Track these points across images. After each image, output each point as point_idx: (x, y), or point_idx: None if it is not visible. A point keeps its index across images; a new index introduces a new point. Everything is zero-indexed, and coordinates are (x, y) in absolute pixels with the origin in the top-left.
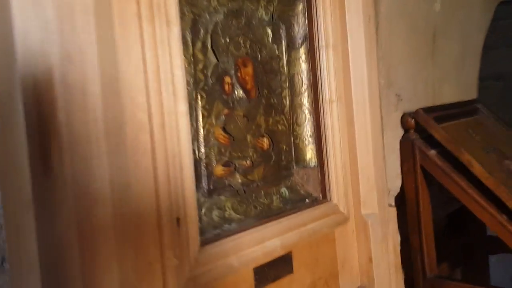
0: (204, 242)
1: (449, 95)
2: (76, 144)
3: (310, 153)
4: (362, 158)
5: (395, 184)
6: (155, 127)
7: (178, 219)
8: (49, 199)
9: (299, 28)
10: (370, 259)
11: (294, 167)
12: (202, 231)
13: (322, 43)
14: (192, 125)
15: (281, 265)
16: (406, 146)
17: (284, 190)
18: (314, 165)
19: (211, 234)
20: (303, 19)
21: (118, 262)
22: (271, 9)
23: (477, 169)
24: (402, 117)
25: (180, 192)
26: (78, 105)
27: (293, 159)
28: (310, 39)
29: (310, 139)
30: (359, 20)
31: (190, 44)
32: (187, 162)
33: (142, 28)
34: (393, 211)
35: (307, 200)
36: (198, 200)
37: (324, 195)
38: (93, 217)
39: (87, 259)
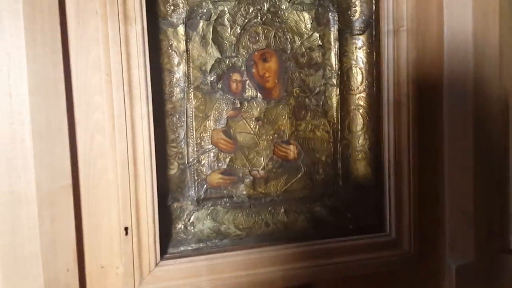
0: (172, 256)
1: None
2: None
3: (365, 168)
4: (451, 182)
5: None
6: (107, 129)
7: (126, 228)
8: None
9: (361, 8)
10: None
11: (341, 184)
12: (177, 242)
13: (390, 26)
14: (181, 127)
15: None
16: None
17: (319, 209)
18: (371, 184)
19: (188, 247)
20: None
21: None
22: None
23: None
24: None
25: (132, 200)
26: (4, 107)
27: (340, 173)
28: (376, 22)
29: (368, 151)
30: None
31: (183, 39)
32: (142, 169)
33: (98, 26)
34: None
35: (351, 226)
36: (182, 210)
37: (381, 224)
38: None
39: None
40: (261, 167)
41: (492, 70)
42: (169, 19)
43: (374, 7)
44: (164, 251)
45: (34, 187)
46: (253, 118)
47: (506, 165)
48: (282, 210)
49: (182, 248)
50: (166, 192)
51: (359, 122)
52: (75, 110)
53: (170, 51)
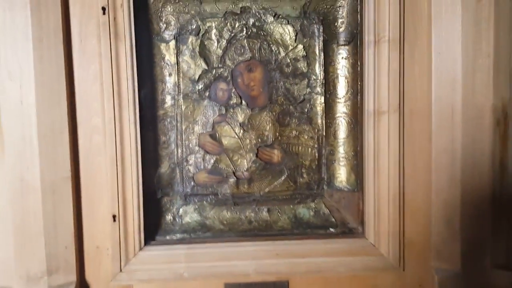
0: (157, 243)
1: None
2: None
3: (349, 174)
4: (439, 194)
5: None
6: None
7: (114, 216)
8: None
9: (348, 20)
10: None
11: (325, 188)
12: (165, 232)
13: (371, 37)
14: (171, 130)
15: None
16: None
17: (303, 211)
18: (355, 189)
19: (173, 237)
20: (351, 9)
21: None
22: (302, 2)
23: None
24: None
25: (119, 192)
26: (16, 112)
27: (324, 178)
28: (361, 34)
29: (351, 157)
30: (454, 2)
31: (173, 53)
32: (129, 167)
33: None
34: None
35: (331, 229)
36: (171, 203)
37: (362, 228)
38: None
39: None
40: (245, 169)
41: (485, 78)
42: (162, 35)
43: (359, 19)
44: (152, 238)
45: (39, 178)
46: (238, 124)
47: (497, 178)
48: (266, 209)
49: (168, 237)
50: (157, 187)
51: (344, 129)
52: (77, 114)
53: (163, 63)
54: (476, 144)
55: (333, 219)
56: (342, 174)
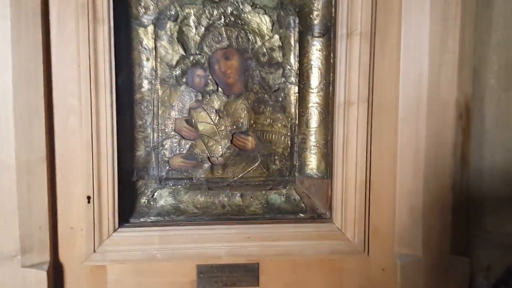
0: (131, 225)
1: None
2: None
3: (319, 162)
4: (403, 183)
5: (501, 230)
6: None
7: (88, 197)
8: None
9: (322, 13)
10: None
11: (296, 175)
12: (139, 214)
13: (344, 30)
14: (148, 114)
15: (242, 274)
16: None
17: (274, 197)
18: (324, 177)
19: (148, 219)
20: (326, 2)
21: None
22: None
23: None
24: None
25: (94, 174)
26: None
27: (296, 165)
28: (334, 27)
29: (322, 146)
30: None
31: (151, 38)
32: (104, 150)
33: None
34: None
35: (301, 214)
36: (146, 186)
37: (330, 214)
38: None
39: None
40: (220, 155)
41: (449, 74)
42: (141, 19)
43: (333, 12)
44: (126, 220)
45: (14, 157)
46: (214, 110)
47: (458, 169)
48: (239, 194)
49: (142, 220)
50: (132, 170)
51: (316, 119)
52: (53, 95)
53: (141, 47)
54: (439, 137)
55: (303, 205)
56: (313, 162)
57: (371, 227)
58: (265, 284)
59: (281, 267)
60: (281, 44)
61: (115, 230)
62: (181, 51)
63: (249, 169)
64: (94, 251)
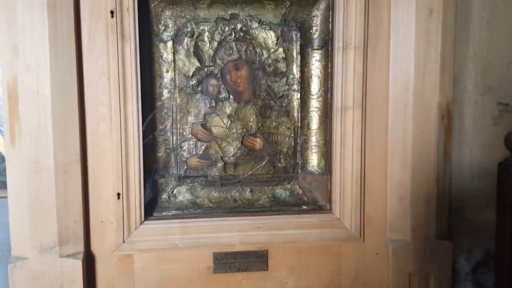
0: (155, 218)
1: None
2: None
3: (319, 160)
4: (393, 176)
5: (479, 217)
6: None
7: (118, 194)
8: None
9: (321, 28)
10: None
11: (299, 171)
12: (161, 208)
13: (340, 44)
14: (167, 120)
15: (253, 260)
16: (507, 173)
17: (280, 191)
18: (324, 173)
19: (169, 213)
20: (324, 19)
21: None
22: (283, 11)
23: None
24: (507, 136)
25: (123, 173)
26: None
27: (299, 163)
28: (331, 40)
29: (322, 145)
30: (409, 16)
31: (170, 52)
32: (131, 152)
33: (103, 43)
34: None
35: (304, 206)
36: (167, 184)
37: (329, 206)
38: None
39: None
40: (231, 155)
41: (432, 80)
42: (161, 36)
43: (331, 28)
44: (150, 214)
45: (52, 159)
46: (226, 115)
47: (441, 163)
48: (249, 190)
49: (164, 213)
50: (155, 170)
51: (316, 121)
52: (85, 104)
53: (161, 61)
54: (424, 135)
55: (305, 198)
56: (314, 160)
57: (365, 216)
58: (273, 268)
59: (287, 253)
60: (284, 56)
61: (141, 223)
62: (197, 63)
63: (258, 167)
64: (124, 242)
